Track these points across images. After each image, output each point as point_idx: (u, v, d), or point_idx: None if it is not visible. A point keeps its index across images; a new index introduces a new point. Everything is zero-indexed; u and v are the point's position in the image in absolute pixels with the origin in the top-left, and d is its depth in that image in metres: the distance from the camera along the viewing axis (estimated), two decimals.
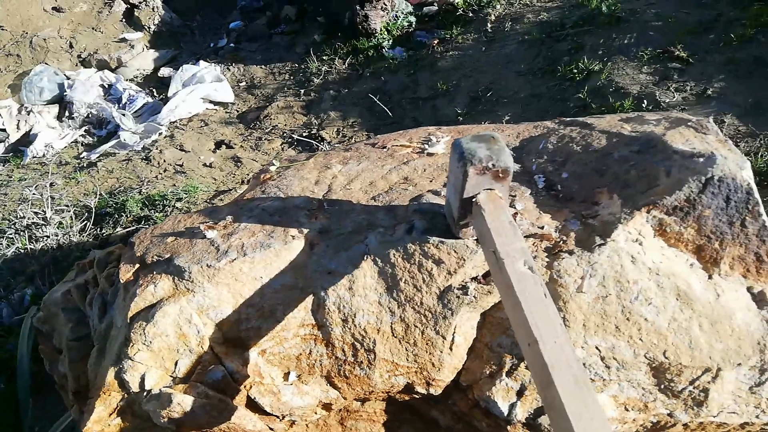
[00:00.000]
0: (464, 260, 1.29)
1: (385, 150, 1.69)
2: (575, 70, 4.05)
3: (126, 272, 1.37)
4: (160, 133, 5.15)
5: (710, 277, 1.32)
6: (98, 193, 4.49)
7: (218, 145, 4.91)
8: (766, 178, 3.27)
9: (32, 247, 3.75)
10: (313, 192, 1.51)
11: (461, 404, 1.42)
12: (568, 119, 1.72)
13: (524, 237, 1.32)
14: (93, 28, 6.28)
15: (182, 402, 1.23)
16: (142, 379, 1.26)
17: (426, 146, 1.72)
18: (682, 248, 1.32)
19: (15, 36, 6.26)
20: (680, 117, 1.55)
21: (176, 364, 1.28)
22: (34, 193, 4.17)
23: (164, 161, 4.84)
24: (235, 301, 1.32)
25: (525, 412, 1.35)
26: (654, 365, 1.31)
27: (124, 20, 6.33)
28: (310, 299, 1.33)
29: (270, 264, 1.33)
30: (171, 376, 1.28)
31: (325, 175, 1.57)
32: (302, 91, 4.99)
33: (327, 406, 1.40)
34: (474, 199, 1.20)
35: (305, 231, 1.38)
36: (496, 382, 1.35)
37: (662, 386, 1.34)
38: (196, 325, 1.28)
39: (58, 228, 3.85)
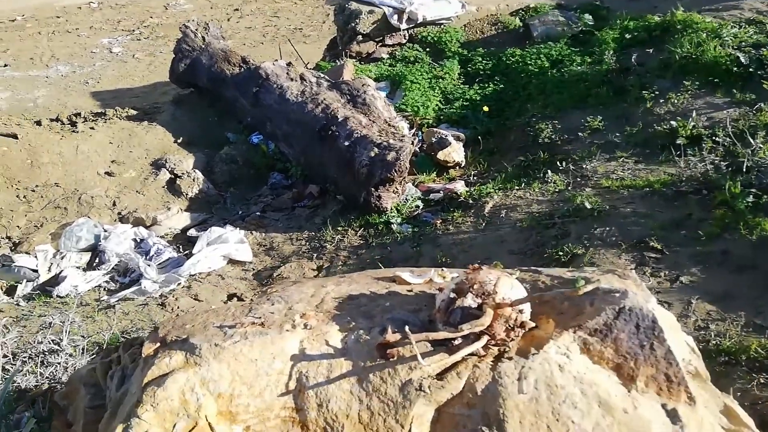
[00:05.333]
0: (423, 358, 1.57)
1: (373, 278, 2.05)
2: (560, 253, 4.49)
3: (148, 348, 1.66)
4: (179, 284, 5.57)
5: (629, 391, 1.57)
6: (112, 331, 4.77)
7: (230, 297, 5.28)
8: (734, 356, 3.50)
9: (41, 371, 3.96)
10: (309, 301, 1.84)
11: None
12: (525, 268, 2.09)
13: None
14: (137, 191, 7.07)
15: None
16: None
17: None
18: (604, 365, 1.60)
19: (67, 193, 7.04)
20: (611, 269, 1.91)
21: (174, 426, 1.50)
22: (52, 322, 4.46)
23: (178, 307, 5.18)
24: (231, 378, 1.58)
25: None
26: None
27: (165, 187, 7.14)
28: (293, 384, 1.59)
29: (265, 348, 1.62)
30: None
31: (320, 291, 1.92)
32: (315, 255, 5.48)
33: None
34: None
35: (298, 327, 1.68)
36: None
37: None
38: (197, 394, 1.53)
39: (69, 357, 4.07)
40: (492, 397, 1.48)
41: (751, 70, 5.92)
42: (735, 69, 6.01)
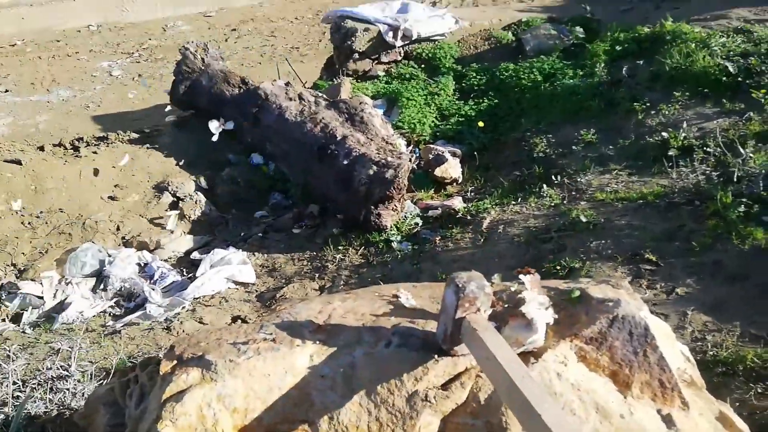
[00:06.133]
0: (428, 369, 1.66)
1: (377, 295, 2.14)
2: (558, 267, 4.58)
3: (165, 366, 1.76)
4: (183, 307, 5.63)
5: (625, 397, 1.66)
6: (119, 356, 4.82)
7: (234, 319, 5.34)
8: (731, 367, 3.57)
9: (50, 397, 4.01)
10: (317, 318, 1.92)
11: None
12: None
13: None
14: (140, 215, 7.15)
15: None
16: None
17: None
18: (601, 372, 1.69)
19: (71, 218, 7.11)
20: (604, 280, 2.00)
21: None
22: (59, 348, 4.52)
23: (183, 331, 5.23)
24: (246, 393, 1.67)
25: None
26: None
27: (168, 210, 7.22)
28: (304, 398, 1.67)
29: (277, 364, 1.71)
30: None
31: (327, 308, 2.00)
32: (317, 275, 5.56)
33: None
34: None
35: (308, 342, 1.77)
36: None
37: None
38: (213, 409, 1.63)
39: (78, 382, 4.13)
40: (495, 406, 1.57)
41: (739, 79, 6.05)
42: (724, 79, 6.13)
